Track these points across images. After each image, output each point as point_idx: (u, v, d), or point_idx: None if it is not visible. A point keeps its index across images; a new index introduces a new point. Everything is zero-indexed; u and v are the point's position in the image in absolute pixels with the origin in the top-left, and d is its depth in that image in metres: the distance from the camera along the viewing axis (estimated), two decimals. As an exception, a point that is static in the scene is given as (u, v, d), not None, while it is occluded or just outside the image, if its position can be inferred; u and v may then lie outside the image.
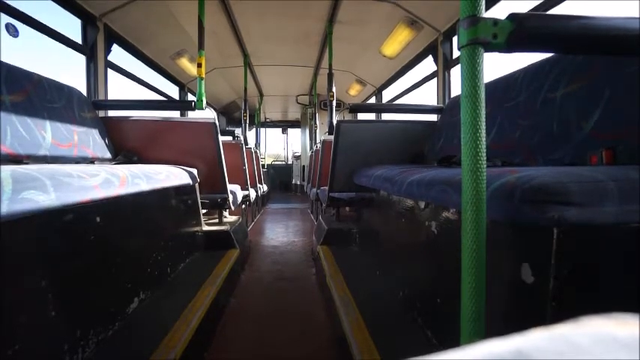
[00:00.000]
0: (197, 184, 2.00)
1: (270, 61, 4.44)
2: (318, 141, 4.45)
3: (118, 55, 2.55)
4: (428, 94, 3.10)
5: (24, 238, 0.78)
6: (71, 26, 2.22)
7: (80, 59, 2.23)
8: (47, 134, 1.51)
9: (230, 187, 2.32)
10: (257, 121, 6.72)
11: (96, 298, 1.02)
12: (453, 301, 0.80)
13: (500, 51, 0.59)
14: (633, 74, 0.90)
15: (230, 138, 2.99)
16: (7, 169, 0.69)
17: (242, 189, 2.90)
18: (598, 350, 0.13)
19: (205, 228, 2.13)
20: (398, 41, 3.10)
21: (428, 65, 2.91)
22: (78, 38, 2.19)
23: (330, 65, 3.42)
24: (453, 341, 0.83)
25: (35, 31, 1.84)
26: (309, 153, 5.62)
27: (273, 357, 1.27)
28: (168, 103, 2.95)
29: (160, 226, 1.57)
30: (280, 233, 3.63)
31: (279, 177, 8.94)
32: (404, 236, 1.36)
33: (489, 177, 0.62)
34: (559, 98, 1.12)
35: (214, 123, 2.01)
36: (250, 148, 3.84)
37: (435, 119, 2.32)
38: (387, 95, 4.29)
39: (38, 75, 1.55)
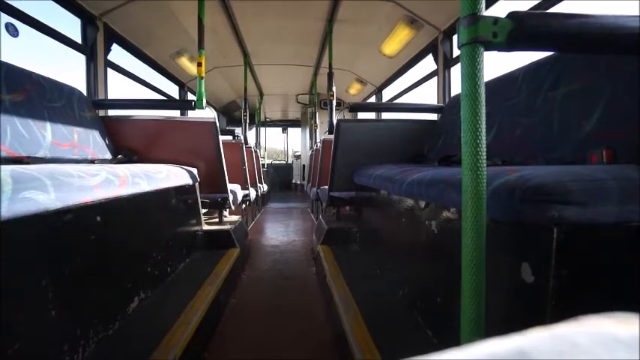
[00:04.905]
0: (197, 184, 2.00)
1: (270, 61, 4.44)
2: (318, 140, 4.45)
3: (117, 54, 2.55)
4: (428, 93, 3.09)
5: (24, 238, 0.78)
6: (71, 26, 2.23)
7: (80, 59, 2.23)
8: (47, 134, 1.50)
9: (230, 186, 2.32)
10: (257, 120, 6.72)
11: (96, 297, 1.02)
12: (453, 301, 0.80)
13: (500, 50, 0.59)
14: (633, 73, 0.89)
15: (230, 137, 2.99)
16: (7, 168, 0.69)
17: (242, 188, 2.90)
18: (598, 350, 0.13)
19: (205, 227, 2.13)
20: (398, 40, 3.09)
21: (428, 64, 2.91)
22: (78, 38, 2.19)
23: (330, 64, 3.41)
24: (453, 341, 0.83)
25: (35, 30, 1.84)
26: (309, 152, 5.62)
27: (273, 356, 1.27)
28: (168, 103, 2.95)
29: (160, 225, 1.57)
30: (280, 233, 3.63)
31: (279, 176, 8.94)
32: (404, 236, 1.35)
33: (489, 176, 0.62)
34: (559, 97, 1.12)
35: (214, 122, 2.01)
36: (250, 147, 3.83)
37: (435, 118, 2.32)
38: (387, 94, 4.29)
39: (38, 74, 1.55)
